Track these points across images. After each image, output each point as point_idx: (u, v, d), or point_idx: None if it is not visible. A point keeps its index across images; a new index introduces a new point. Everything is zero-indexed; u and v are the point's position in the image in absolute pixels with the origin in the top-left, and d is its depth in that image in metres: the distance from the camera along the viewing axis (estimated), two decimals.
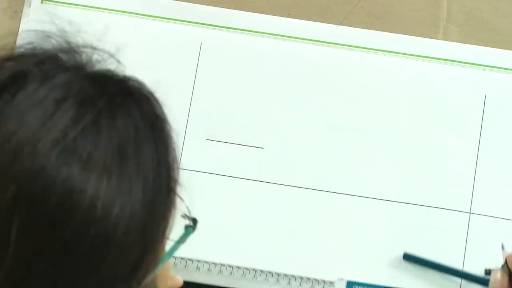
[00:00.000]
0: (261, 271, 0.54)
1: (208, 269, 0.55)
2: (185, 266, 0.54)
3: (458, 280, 0.54)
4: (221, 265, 0.55)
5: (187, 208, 0.35)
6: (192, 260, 0.55)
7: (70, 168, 0.28)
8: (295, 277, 0.55)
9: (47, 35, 0.32)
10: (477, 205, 0.56)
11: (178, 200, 0.33)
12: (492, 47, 0.58)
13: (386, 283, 0.55)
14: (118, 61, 0.34)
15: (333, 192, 0.56)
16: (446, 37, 0.58)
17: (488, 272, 0.53)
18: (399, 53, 0.57)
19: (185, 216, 0.35)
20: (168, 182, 0.32)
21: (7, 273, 0.28)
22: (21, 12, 0.58)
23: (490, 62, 0.57)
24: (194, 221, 0.36)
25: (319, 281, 0.55)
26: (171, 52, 0.57)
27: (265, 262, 0.55)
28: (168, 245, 0.34)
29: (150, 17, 0.58)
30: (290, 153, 0.56)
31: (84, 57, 0.32)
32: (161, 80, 0.59)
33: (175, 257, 0.49)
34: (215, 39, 0.57)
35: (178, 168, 0.32)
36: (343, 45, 0.58)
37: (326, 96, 0.57)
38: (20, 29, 0.57)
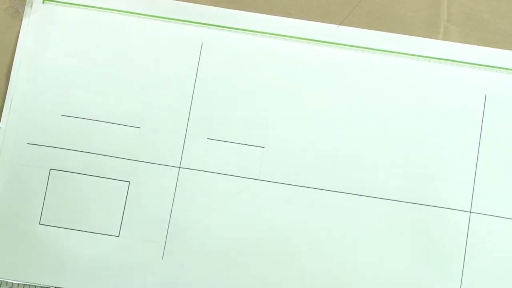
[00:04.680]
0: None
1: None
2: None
3: (458, 277, 0.55)
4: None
5: None
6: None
7: None
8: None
9: None
10: (478, 204, 0.56)
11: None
12: (492, 47, 0.58)
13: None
14: None
15: (334, 191, 0.56)
16: (446, 37, 0.58)
17: None
18: (399, 53, 0.58)
19: None
20: None
21: None
22: (23, 11, 0.58)
23: (490, 62, 0.58)
24: None
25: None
26: (172, 51, 0.57)
27: (265, 261, 0.55)
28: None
29: (151, 17, 0.58)
30: (291, 152, 0.56)
31: None
32: (162, 80, 0.60)
33: None
34: (216, 39, 0.58)
35: None
36: (344, 45, 0.58)
37: (326, 95, 0.57)
38: (21, 29, 0.58)
